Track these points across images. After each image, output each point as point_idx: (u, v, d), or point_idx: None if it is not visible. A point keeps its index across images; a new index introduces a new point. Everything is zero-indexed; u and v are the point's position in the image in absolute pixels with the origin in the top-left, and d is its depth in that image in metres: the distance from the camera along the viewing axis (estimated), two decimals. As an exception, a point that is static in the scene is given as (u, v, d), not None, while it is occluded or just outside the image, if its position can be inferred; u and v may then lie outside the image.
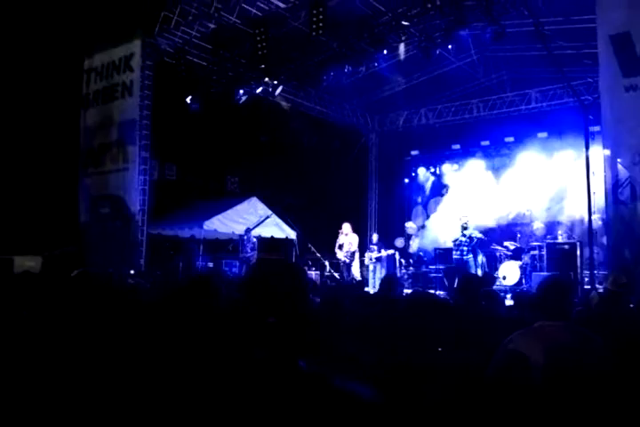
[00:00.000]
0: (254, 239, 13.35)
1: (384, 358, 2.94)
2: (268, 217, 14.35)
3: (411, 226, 16.08)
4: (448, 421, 2.53)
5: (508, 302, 6.27)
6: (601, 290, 5.72)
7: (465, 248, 11.27)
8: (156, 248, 13.10)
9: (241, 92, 12.61)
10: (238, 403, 1.33)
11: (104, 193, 13.13)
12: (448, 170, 16.17)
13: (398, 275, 12.71)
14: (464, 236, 11.28)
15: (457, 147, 15.79)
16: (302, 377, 1.36)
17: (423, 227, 15.80)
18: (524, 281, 11.31)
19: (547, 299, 2.78)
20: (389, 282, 5.59)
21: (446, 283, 11.17)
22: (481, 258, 11.73)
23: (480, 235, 11.43)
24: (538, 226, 12.61)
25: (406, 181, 17.26)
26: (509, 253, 12.21)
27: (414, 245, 15.31)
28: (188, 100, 12.58)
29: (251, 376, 1.35)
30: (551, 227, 12.59)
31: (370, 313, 4.74)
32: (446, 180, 16.13)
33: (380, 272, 12.81)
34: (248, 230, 13.30)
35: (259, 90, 12.96)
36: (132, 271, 10.66)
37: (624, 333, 3.27)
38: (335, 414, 1.30)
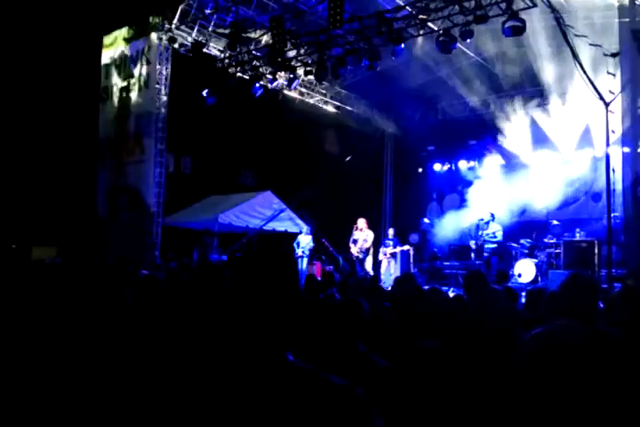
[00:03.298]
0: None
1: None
2: (282, 211, 14.34)
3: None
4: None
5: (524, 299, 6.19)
6: (619, 289, 5.63)
7: (487, 245, 11.31)
8: (171, 241, 13.17)
9: (257, 85, 12.59)
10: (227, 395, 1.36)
11: (120, 185, 13.22)
12: (464, 166, 16.06)
13: (412, 271, 12.65)
14: (490, 235, 11.31)
15: (473, 143, 15.65)
16: (290, 370, 1.37)
17: (438, 223, 15.70)
18: (539, 279, 11.20)
19: (570, 297, 2.64)
20: (407, 281, 5.31)
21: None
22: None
23: (498, 230, 11.45)
24: (554, 223, 12.48)
25: (422, 176, 17.16)
26: (525, 250, 12.10)
27: None
28: (205, 93, 12.59)
29: (237, 368, 1.38)
30: (568, 224, 12.43)
31: (383, 309, 4.70)
32: (462, 176, 16.03)
33: (394, 268, 12.76)
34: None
35: (275, 84, 12.94)
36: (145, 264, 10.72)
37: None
38: (320, 409, 1.32)
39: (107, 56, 13.98)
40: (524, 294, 8.56)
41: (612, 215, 9.14)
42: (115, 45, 13.82)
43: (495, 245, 11.51)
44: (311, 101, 15.56)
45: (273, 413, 1.31)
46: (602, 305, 3.95)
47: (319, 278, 8.07)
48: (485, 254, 11.43)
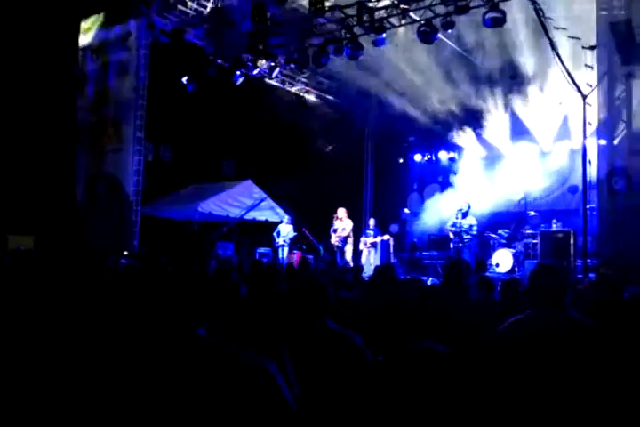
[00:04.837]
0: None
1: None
2: (262, 200, 14.30)
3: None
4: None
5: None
6: (591, 278, 5.75)
7: (464, 235, 11.38)
8: (150, 230, 13.06)
9: (238, 73, 12.48)
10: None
11: (99, 173, 13.07)
12: (444, 157, 16.15)
13: (392, 261, 12.73)
14: (466, 227, 11.39)
15: (454, 133, 15.70)
16: (199, 344, 1.62)
17: (418, 213, 15.79)
18: (516, 269, 11.36)
19: (536, 286, 2.68)
20: (386, 271, 5.30)
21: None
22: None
23: (475, 224, 11.53)
24: (532, 214, 12.62)
25: (402, 167, 17.22)
26: (503, 240, 12.25)
27: None
28: (185, 80, 12.45)
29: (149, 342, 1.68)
30: (545, 215, 12.59)
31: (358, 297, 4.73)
32: (442, 166, 16.13)
33: (375, 258, 12.83)
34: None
35: (255, 71, 12.84)
36: (125, 252, 10.64)
37: (619, 320, 3.24)
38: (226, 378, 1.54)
39: (84, 41, 13.73)
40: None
41: (588, 207, 9.27)
42: (93, 30, 13.58)
43: (470, 236, 11.60)
44: (293, 90, 15.48)
45: (183, 381, 1.54)
46: (574, 294, 4.02)
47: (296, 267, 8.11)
48: (462, 244, 11.54)
